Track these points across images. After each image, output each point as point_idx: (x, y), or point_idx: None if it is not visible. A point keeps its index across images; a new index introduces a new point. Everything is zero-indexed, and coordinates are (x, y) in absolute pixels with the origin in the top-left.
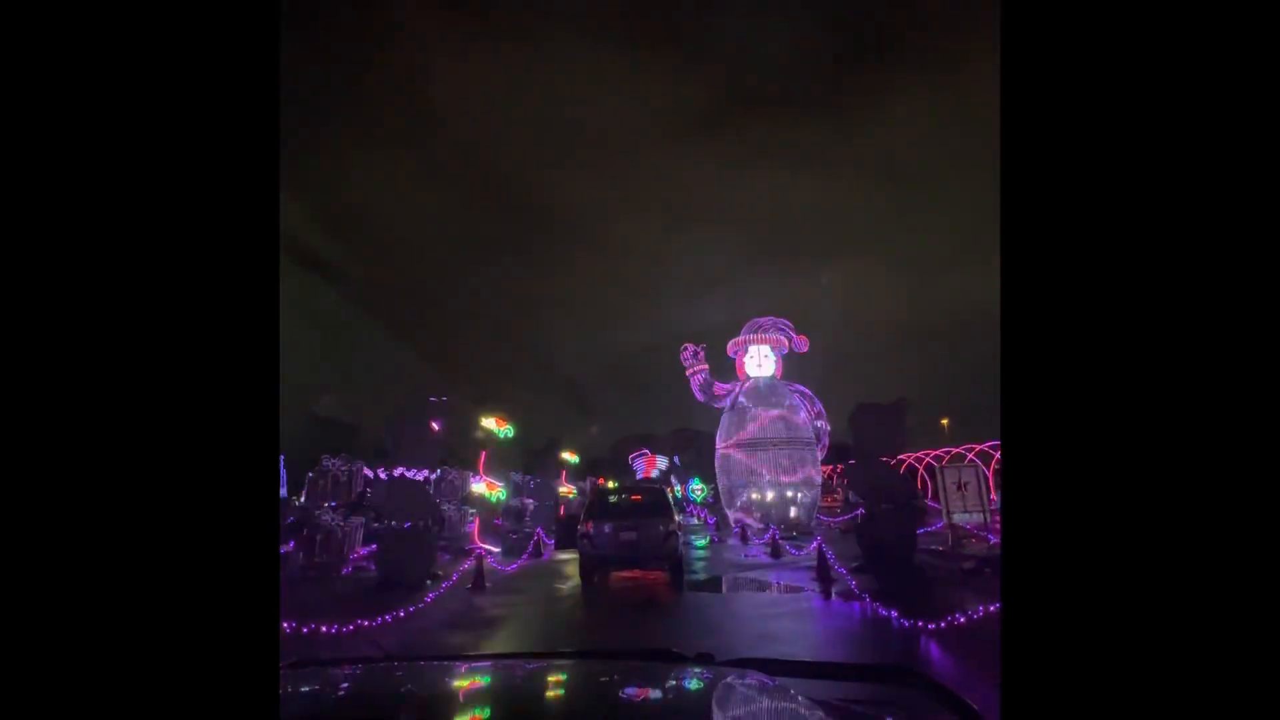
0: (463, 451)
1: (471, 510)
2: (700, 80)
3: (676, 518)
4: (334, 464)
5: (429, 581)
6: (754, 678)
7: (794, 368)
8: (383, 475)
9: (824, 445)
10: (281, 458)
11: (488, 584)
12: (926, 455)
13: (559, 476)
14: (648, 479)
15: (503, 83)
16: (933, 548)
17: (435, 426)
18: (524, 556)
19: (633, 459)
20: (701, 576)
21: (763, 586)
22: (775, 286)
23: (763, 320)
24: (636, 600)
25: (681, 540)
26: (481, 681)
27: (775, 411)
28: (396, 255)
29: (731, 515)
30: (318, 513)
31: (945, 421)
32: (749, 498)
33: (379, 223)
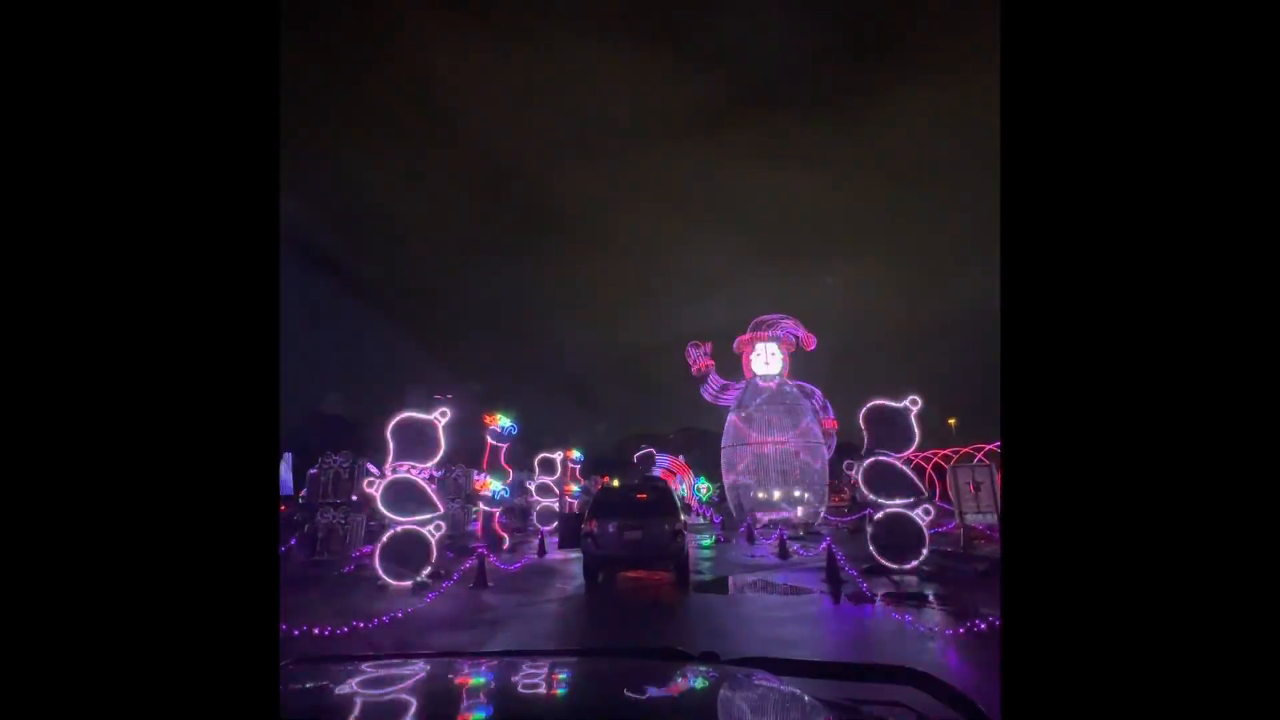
0: (467, 449)
1: (475, 508)
2: (705, 79)
3: (683, 517)
4: (336, 461)
5: (430, 580)
6: (760, 677)
7: (801, 365)
8: (386, 473)
9: (831, 444)
10: (289, 456)
11: (490, 583)
12: (935, 455)
13: (564, 474)
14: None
15: (507, 82)
16: (944, 549)
17: (439, 423)
18: (528, 555)
19: (638, 456)
20: (707, 577)
21: (770, 588)
22: (781, 284)
23: (770, 318)
24: (641, 601)
25: (688, 540)
26: (485, 679)
27: (782, 410)
28: (403, 254)
29: (737, 514)
30: (319, 510)
31: (952, 421)
32: (755, 497)
33: (386, 222)
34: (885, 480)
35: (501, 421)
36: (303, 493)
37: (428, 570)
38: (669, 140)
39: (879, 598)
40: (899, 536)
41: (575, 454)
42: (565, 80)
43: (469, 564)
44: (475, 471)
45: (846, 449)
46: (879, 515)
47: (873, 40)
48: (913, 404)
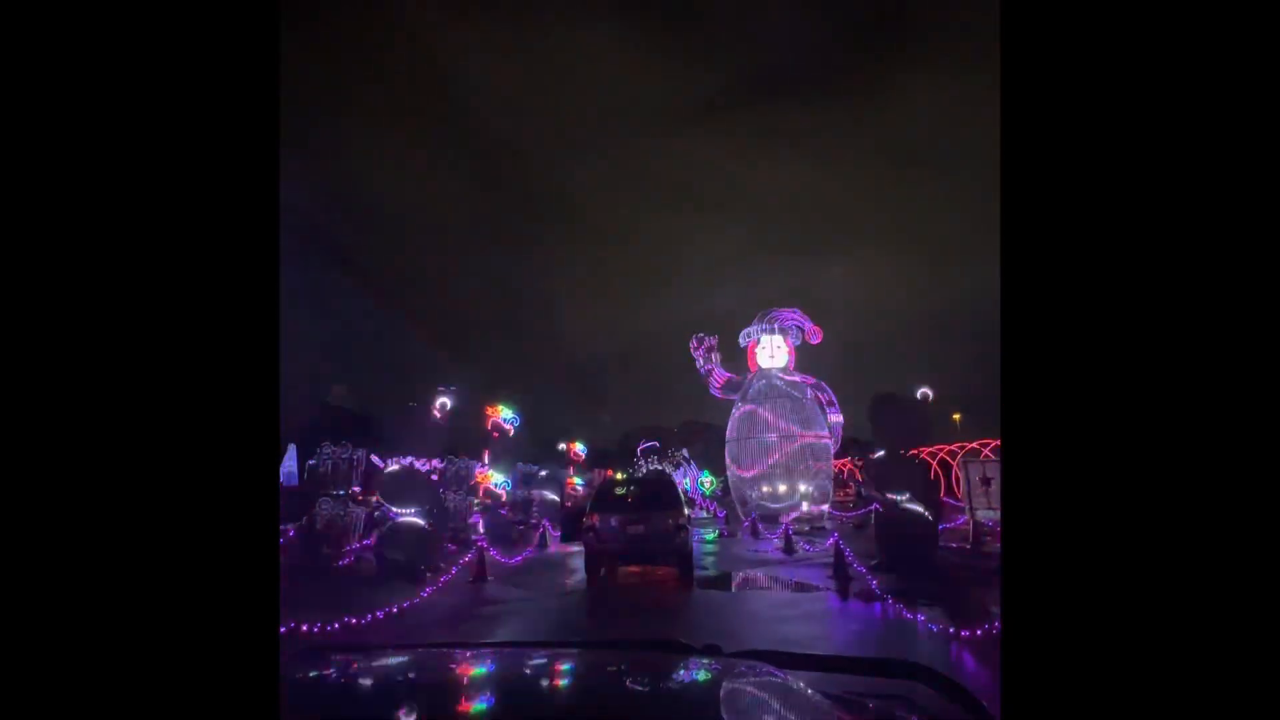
0: (470, 441)
1: (477, 501)
2: (710, 65)
3: (686, 511)
4: (335, 452)
5: (429, 574)
6: (762, 670)
7: (807, 358)
8: (388, 464)
9: (837, 438)
10: (294, 448)
11: (490, 577)
12: (941, 450)
13: (567, 467)
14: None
15: (511, 70)
16: (954, 545)
17: (440, 415)
18: (529, 549)
19: (641, 449)
20: (711, 573)
21: (776, 584)
22: (786, 275)
23: (775, 310)
24: (643, 597)
25: (691, 534)
26: (486, 669)
27: (787, 403)
28: (404, 243)
29: (741, 509)
30: (319, 501)
31: (957, 416)
32: (760, 491)
33: (390, 211)
34: (893, 474)
35: (503, 413)
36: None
37: (427, 563)
38: (671, 128)
39: (888, 595)
40: (908, 532)
41: (578, 446)
42: (566, 68)
43: (468, 557)
44: (477, 463)
45: (850, 443)
46: (888, 511)
47: (880, 24)
48: (924, 397)
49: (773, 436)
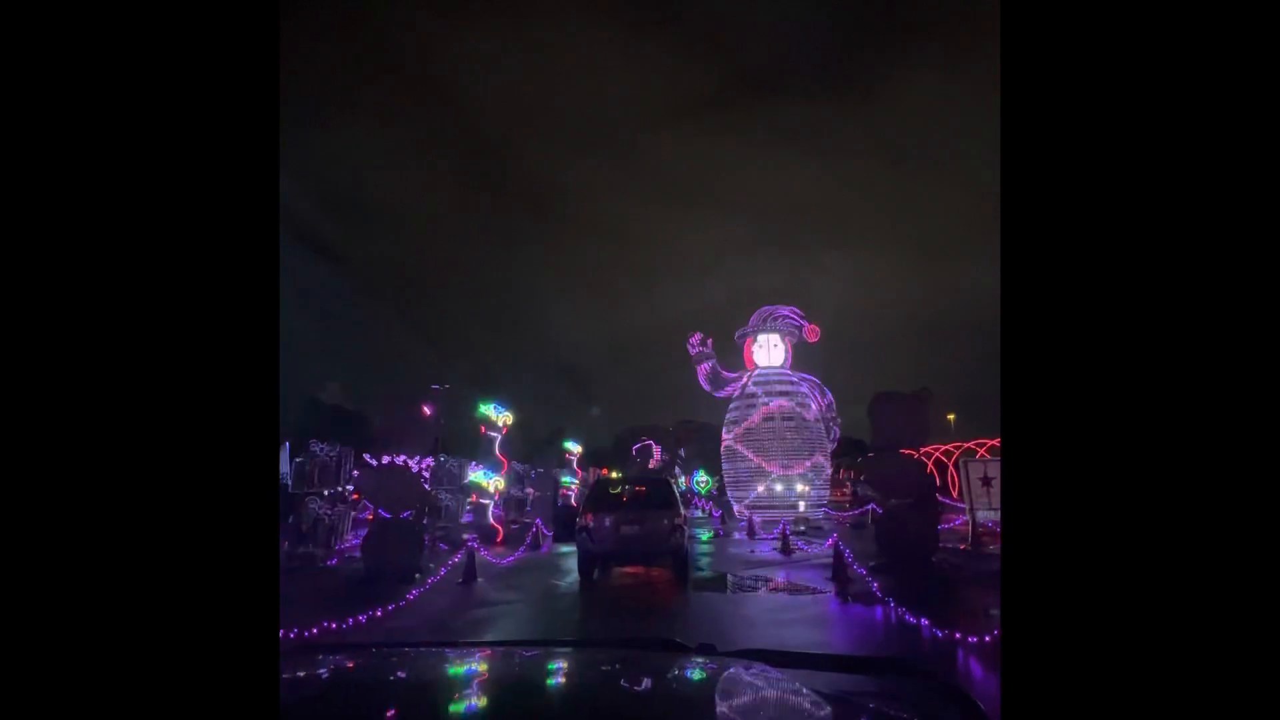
0: (461, 438)
1: (469, 499)
2: (703, 62)
3: (683, 511)
4: (322, 449)
5: (417, 575)
6: (757, 668)
7: (803, 357)
8: (377, 462)
9: (834, 437)
10: (287, 446)
11: (479, 578)
12: (936, 450)
13: (560, 466)
14: (653, 470)
15: (503, 66)
16: (954, 546)
17: (430, 412)
18: (521, 549)
19: (636, 448)
20: (707, 574)
21: (773, 587)
22: (782, 273)
23: (772, 308)
24: (637, 599)
25: (687, 535)
26: (480, 668)
27: (784, 402)
28: (403, 241)
29: (737, 508)
30: (305, 500)
31: (951, 416)
32: (756, 491)
33: (383, 208)
34: (894, 474)
35: (495, 410)
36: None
37: (415, 564)
38: (665, 124)
39: (891, 599)
40: (908, 533)
41: (569, 445)
42: (560, 64)
43: (458, 557)
44: (470, 463)
45: (847, 443)
46: (887, 511)
47: (877, 20)
48: (925, 395)
49: (768, 436)
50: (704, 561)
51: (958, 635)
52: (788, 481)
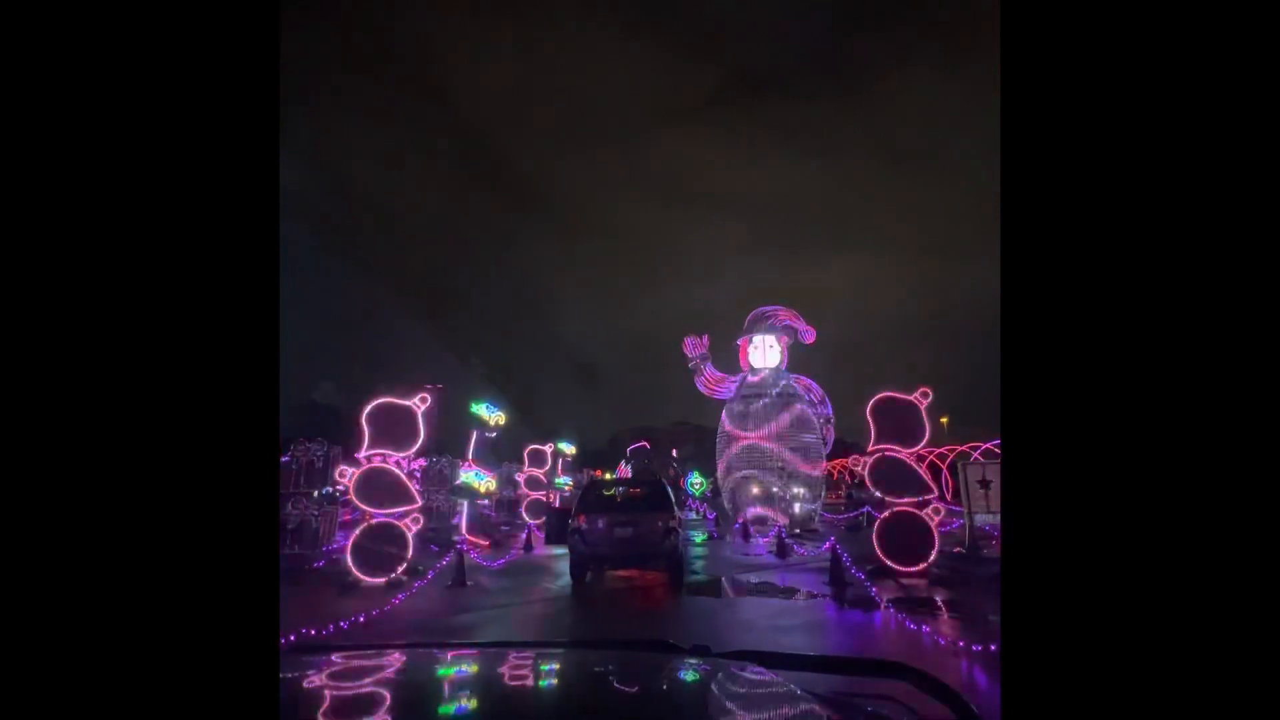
0: (454, 439)
1: (460, 501)
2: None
3: (677, 513)
4: (309, 449)
5: (405, 578)
6: (751, 670)
7: (799, 359)
8: (361, 461)
9: (829, 439)
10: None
11: (469, 581)
12: (929, 454)
13: (554, 467)
14: (647, 471)
15: (507, 67)
16: (952, 549)
17: (420, 411)
18: (513, 551)
19: (631, 450)
20: (702, 578)
21: (769, 590)
22: (778, 276)
23: (768, 310)
24: (630, 603)
25: (682, 538)
26: (474, 669)
27: (779, 404)
28: (399, 239)
29: (732, 511)
30: (291, 500)
31: (945, 420)
32: (751, 493)
33: (382, 206)
34: (892, 477)
35: (487, 410)
36: None
37: (403, 566)
38: (661, 126)
39: (888, 603)
40: (907, 537)
41: (561, 445)
42: (560, 63)
43: (448, 559)
44: (462, 463)
45: (840, 445)
46: (885, 514)
47: (877, 19)
48: (923, 397)
49: (764, 438)
50: (699, 564)
51: (962, 644)
52: (783, 483)
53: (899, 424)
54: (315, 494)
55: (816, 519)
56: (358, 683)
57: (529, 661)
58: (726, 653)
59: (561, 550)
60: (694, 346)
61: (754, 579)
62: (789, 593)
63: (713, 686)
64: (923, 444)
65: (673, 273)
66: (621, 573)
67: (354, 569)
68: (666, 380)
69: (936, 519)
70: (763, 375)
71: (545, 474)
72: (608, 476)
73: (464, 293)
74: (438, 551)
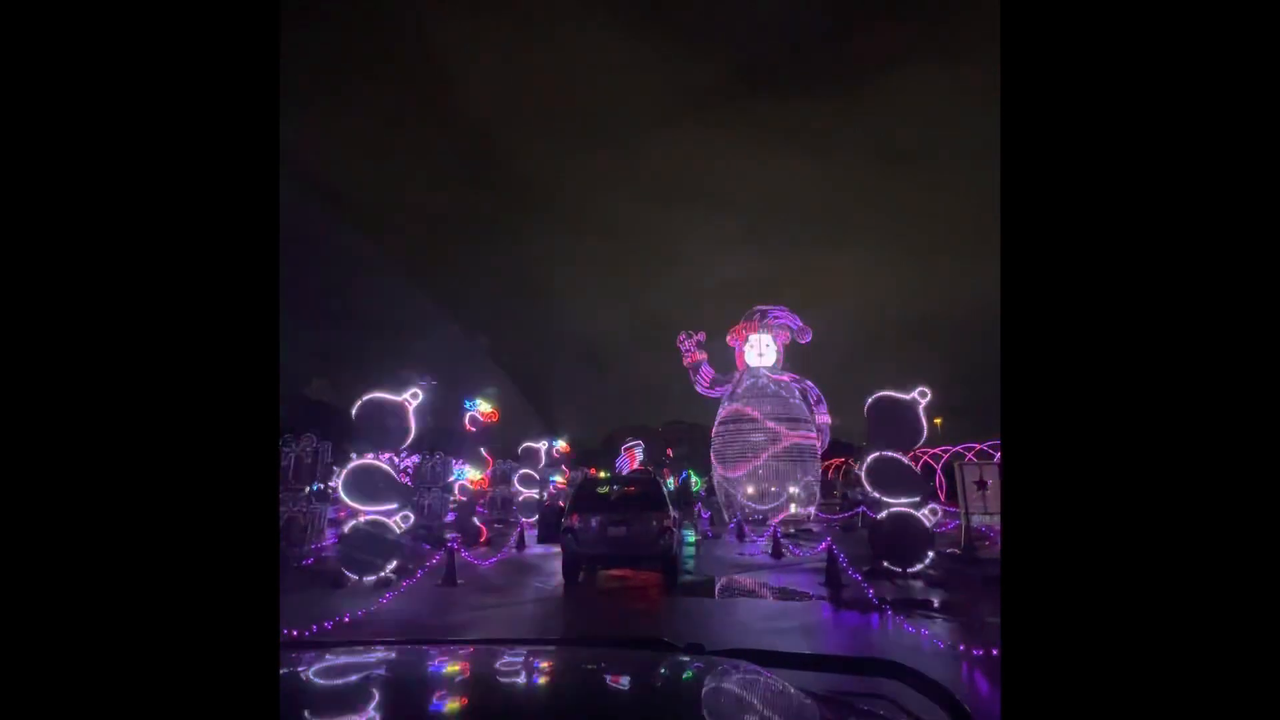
0: (446, 436)
1: (452, 498)
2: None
3: (672, 513)
4: (298, 445)
5: (394, 576)
6: (745, 668)
7: (796, 358)
8: (358, 458)
9: (824, 439)
10: None
11: (459, 580)
12: (924, 454)
13: (548, 464)
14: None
15: (503, 63)
16: (950, 550)
17: (411, 408)
18: (505, 550)
19: (625, 449)
20: (696, 577)
21: (764, 591)
22: (774, 275)
23: (765, 308)
24: (623, 604)
25: (676, 537)
26: (468, 666)
27: (775, 403)
28: (396, 238)
29: (726, 510)
30: (281, 496)
31: (939, 420)
32: (746, 492)
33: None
34: (889, 477)
35: (481, 406)
36: None
37: (392, 565)
38: (656, 123)
39: (884, 604)
40: (903, 537)
41: (554, 442)
42: (558, 60)
43: (438, 558)
44: (455, 461)
45: (836, 445)
46: (882, 514)
47: (876, 18)
48: (921, 396)
49: (759, 437)
50: (692, 564)
51: (955, 644)
52: (778, 483)
53: (897, 424)
54: (306, 490)
55: (812, 519)
56: (347, 679)
57: (523, 659)
58: (720, 651)
59: (553, 549)
60: (688, 345)
61: (749, 579)
62: (784, 593)
63: (707, 684)
64: (920, 444)
65: (668, 270)
66: (614, 572)
67: (342, 567)
68: (662, 379)
69: (934, 520)
70: (758, 374)
71: (539, 471)
72: (603, 475)
73: (457, 289)
74: (428, 550)
